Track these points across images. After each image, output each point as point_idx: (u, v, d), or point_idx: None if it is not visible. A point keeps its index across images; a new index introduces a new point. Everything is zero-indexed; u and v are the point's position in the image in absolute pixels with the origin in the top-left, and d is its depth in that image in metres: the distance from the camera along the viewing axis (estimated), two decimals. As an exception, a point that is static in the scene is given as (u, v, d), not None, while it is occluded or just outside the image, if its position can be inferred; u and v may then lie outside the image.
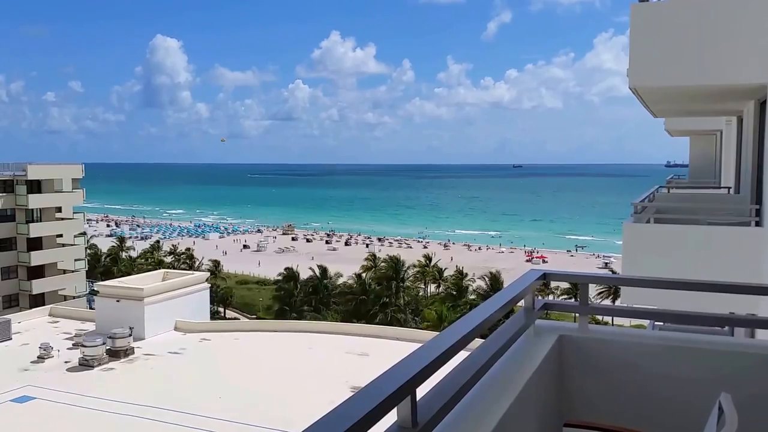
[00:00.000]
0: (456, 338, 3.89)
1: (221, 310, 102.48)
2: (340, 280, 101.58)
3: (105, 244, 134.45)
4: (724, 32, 11.85)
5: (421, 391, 3.44)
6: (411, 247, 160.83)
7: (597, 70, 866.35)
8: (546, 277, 6.12)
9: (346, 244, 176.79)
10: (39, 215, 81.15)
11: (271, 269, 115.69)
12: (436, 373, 3.54)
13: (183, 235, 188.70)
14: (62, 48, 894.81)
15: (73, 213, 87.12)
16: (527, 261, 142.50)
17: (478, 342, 4.71)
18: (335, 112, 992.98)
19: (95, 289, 46.70)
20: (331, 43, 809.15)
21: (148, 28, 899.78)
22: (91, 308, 57.64)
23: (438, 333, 4.23)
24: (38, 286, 78.73)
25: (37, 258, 79.12)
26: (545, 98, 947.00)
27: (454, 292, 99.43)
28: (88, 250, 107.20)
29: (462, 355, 4.15)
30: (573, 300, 55.13)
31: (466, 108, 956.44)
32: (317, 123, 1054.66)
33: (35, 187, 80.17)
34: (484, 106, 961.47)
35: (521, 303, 5.68)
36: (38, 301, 73.30)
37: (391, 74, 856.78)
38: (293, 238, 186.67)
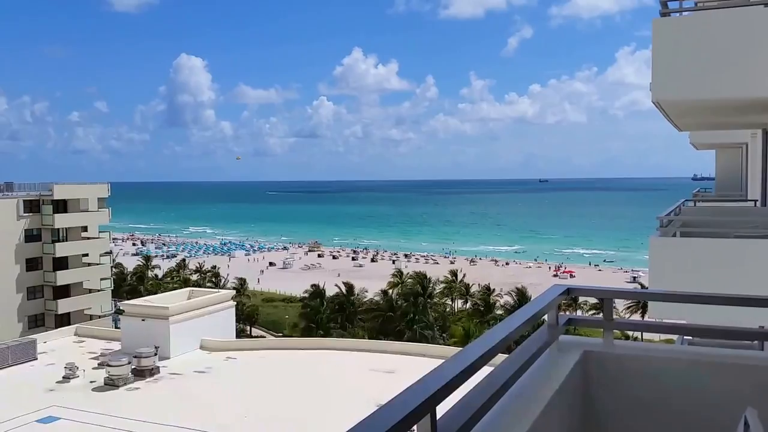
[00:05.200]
0: (477, 355, 3.82)
1: (247, 328, 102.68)
2: (367, 297, 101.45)
3: (131, 263, 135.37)
4: (746, 45, 11.75)
5: (444, 407, 3.38)
6: (438, 263, 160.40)
7: (620, 84, 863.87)
8: (570, 292, 6.04)
9: (373, 260, 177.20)
10: (65, 235, 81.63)
11: (297, 286, 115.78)
12: (458, 390, 3.48)
13: (209, 253, 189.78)
14: (86, 68, 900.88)
15: (99, 232, 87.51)
16: (554, 276, 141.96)
17: (501, 357, 4.65)
18: (359, 128, 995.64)
19: (121, 308, 46.90)
20: (354, 60, 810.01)
21: (172, 48, 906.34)
22: (116, 328, 57.85)
23: (460, 349, 4.17)
24: (64, 305, 78.88)
25: (62, 278, 79.37)
26: (569, 113, 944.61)
27: (482, 308, 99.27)
28: (114, 270, 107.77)
29: (485, 371, 4.09)
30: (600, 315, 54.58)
31: (490, 123, 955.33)
32: (342, 140, 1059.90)
33: (61, 206, 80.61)
34: (508, 122, 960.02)
35: (545, 318, 5.61)
36: (64, 320, 73.60)
37: (414, 90, 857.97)
38: (320, 255, 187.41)
